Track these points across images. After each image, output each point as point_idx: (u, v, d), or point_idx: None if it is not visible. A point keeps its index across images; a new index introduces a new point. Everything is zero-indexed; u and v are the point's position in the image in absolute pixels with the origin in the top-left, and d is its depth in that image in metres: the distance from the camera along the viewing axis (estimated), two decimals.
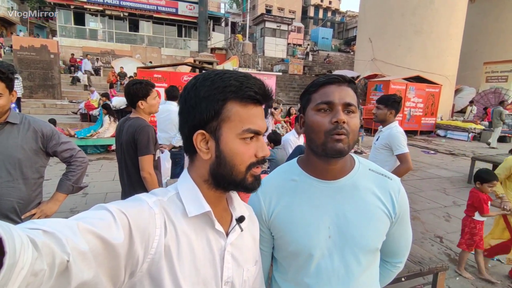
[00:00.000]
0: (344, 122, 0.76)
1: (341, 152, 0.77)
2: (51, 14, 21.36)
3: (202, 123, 0.62)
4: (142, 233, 0.54)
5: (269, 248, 0.91)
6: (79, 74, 15.82)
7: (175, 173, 4.09)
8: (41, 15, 23.99)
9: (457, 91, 17.02)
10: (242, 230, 0.71)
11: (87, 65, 15.43)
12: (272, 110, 7.48)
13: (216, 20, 24.14)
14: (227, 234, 0.68)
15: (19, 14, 22.88)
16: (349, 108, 0.78)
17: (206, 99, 0.61)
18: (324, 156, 0.80)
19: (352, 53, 28.14)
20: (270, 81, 9.89)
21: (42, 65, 12.34)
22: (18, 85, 9.30)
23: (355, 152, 8.29)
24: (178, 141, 3.90)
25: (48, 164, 1.66)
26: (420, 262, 1.97)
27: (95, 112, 9.19)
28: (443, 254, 3.17)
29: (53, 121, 7.26)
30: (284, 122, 8.70)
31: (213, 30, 23.57)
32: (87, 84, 14.30)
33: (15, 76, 1.44)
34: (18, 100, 9.52)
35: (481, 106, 14.76)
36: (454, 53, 15.20)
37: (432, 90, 12.84)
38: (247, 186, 0.64)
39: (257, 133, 0.63)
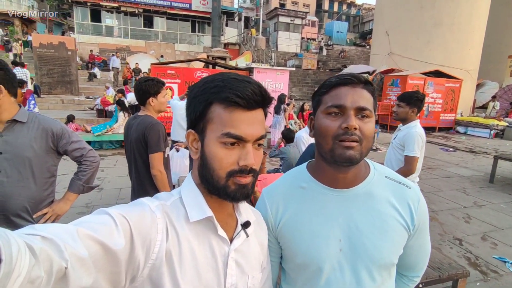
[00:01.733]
0: (355, 129, 0.69)
1: (351, 160, 0.70)
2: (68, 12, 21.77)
3: (192, 123, 0.63)
4: (143, 238, 0.53)
5: (277, 258, 0.86)
6: (95, 70, 16.13)
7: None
8: (59, 13, 24.54)
9: (478, 86, 16.31)
10: (247, 236, 0.69)
11: (115, 62, 15.61)
12: (285, 105, 7.38)
13: (230, 15, 24.05)
14: (232, 240, 0.66)
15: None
16: (363, 112, 0.71)
17: (195, 100, 0.62)
18: (333, 164, 0.74)
19: (368, 47, 27.45)
20: (283, 76, 9.79)
21: (60, 62, 12.65)
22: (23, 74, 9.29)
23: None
24: None
25: (64, 158, 1.64)
26: (439, 268, 1.88)
27: (110, 108, 9.37)
28: (463, 258, 3.04)
29: (71, 117, 7.44)
30: (297, 117, 8.58)
31: (227, 25, 23.51)
32: (113, 80, 14.52)
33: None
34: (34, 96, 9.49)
35: (504, 101, 14.10)
36: (476, 46, 14.52)
37: (452, 85, 12.36)
38: (229, 194, 0.60)
39: (240, 139, 0.58)
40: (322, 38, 30.12)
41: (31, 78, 10.80)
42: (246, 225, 0.69)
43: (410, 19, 14.62)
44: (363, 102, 0.71)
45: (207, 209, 0.62)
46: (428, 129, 11.76)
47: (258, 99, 0.59)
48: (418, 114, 2.47)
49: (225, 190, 0.60)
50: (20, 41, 17.14)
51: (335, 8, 39.59)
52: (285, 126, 7.22)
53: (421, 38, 14.37)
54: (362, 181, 0.78)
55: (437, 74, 12.50)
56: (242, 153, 0.59)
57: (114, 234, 0.48)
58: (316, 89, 0.83)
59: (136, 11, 21.17)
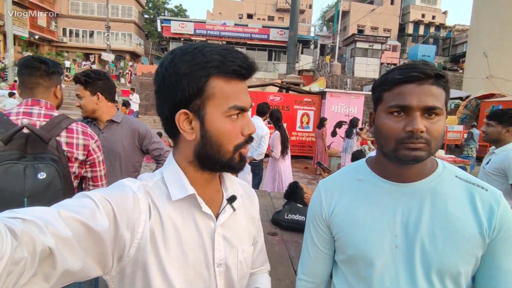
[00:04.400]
0: (422, 132, 0.62)
1: (417, 159, 0.65)
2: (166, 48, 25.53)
3: (184, 102, 0.58)
4: (127, 218, 0.53)
5: (330, 250, 0.82)
6: None
7: (254, 184, 4.20)
8: (159, 48, 29.00)
9: None
10: (234, 210, 0.68)
11: None
12: (358, 130, 7.04)
13: (305, 43, 24.73)
14: (218, 216, 0.66)
15: (143, 48, 28.14)
16: (431, 111, 0.64)
17: (187, 76, 0.56)
18: (397, 162, 0.69)
19: (460, 71, 24.60)
20: (358, 100, 9.42)
21: None
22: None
23: None
24: (259, 155, 4.01)
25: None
26: None
27: None
28: None
29: (159, 134, 8.53)
30: (372, 143, 8.06)
31: (302, 52, 24.15)
32: None
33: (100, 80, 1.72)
34: (136, 114, 11.78)
35: None
36: None
37: None
38: (234, 166, 0.61)
39: (243, 110, 0.60)
40: (405, 63, 28.17)
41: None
42: (231, 199, 0.68)
43: None
44: (431, 100, 0.62)
45: (189, 187, 0.61)
46: None
47: (254, 66, 0.60)
48: None
49: (230, 163, 0.61)
50: (129, 72, 20.82)
51: (421, 31, 37.00)
52: (357, 150, 6.84)
53: None
54: (427, 177, 0.70)
55: None
56: (243, 123, 0.61)
57: (97, 216, 0.48)
58: None
59: (220, 43, 23.37)
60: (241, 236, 0.70)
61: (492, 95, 12.03)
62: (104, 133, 1.72)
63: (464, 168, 7.82)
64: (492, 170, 2.08)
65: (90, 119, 1.73)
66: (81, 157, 1.29)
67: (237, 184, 0.74)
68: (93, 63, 26.30)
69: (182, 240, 0.60)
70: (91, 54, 29.07)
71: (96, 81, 1.69)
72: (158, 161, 1.86)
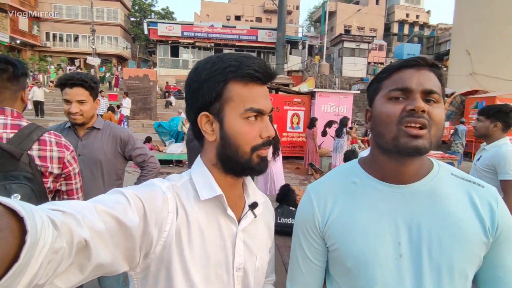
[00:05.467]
0: (423, 111, 0.60)
1: (419, 149, 0.60)
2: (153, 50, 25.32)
3: (205, 105, 0.62)
4: (156, 216, 0.55)
5: (323, 262, 0.76)
6: (171, 98, 18.05)
7: None
8: (146, 51, 28.68)
9: None
10: (255, 217, 0.70)
11: None
12: (348, 129, 7.06)
13: (294, 44, 24.83)
14: (239, 221, 0.68)
15: (131, 51, 27.78)
16: (431, 96, 0.62)
17: (207, 81, 0.61)
18: (396, 155, 0.64)
19: (444, 68, 25.17)
20: (347, 100, 9.47)
21: (143, 91, 14.49)
22: (104, 103, 11.20)
23: None
24: None
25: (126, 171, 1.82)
26: None
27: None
28: None
29: (149, 139, 8.35)
30: (362, 142, 8.11)
31: (290, 53, 24.23)
32: None
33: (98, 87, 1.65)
34: (127, 119, 11.61)
35: None
36: None
37: None
38: (254, 167, 0.63)
39: (260, 113, 0.62)
40: (391, 62, 28.68)
41: (118, 106, 12.57)
42: (253, 205, 0.70)
43: (498, 35, 13.03)
44: (430, 84, 0.62)
45: (217, 188, 0.63)
46: None
47: (271, 73, 0.63)
48: (508, 131, 2.06)
49: (249, 165, 0.63)
50: (115, 76, 20.46)
51: (406, 31, 37.70)
52: (349, 150, 6.86)
53: None
54: (424, 177, 0.66)
55: None
56: (262, 126, 0.63)
57: (128, 212, 0.50)
58: None
59: (208, 45, 23.41)
60: (260, 243, 0.72)
61: (475, 91, 12.32)
62: (83, 140, 1.63)
63: (452, 164, 7.95)
64: (483, 167, 2.07)
65: (77, 125, 1.62)
66: (56, 171, 1.18)
67: (258, 192, 0.76)
68: (79, 67, 25.72)
69: (206, 241, 0.61)
70: (76, 58, 28.41)
71: (97, 86, 1.63)
72: (143, 167, 1.78)
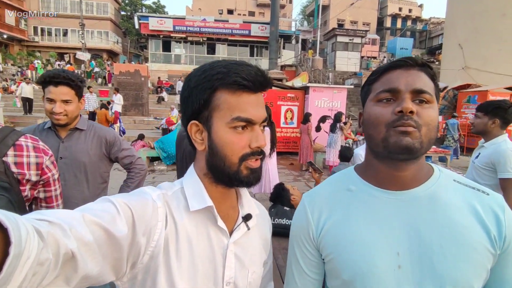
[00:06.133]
0: (412, 112, 0.57)
1: (409, 149, 0.57)
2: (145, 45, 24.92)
3: (195, 113, 0.61)
4: (145, 226, 0.54)
5: (319, 275, 0.72)
6: (164, 94, 17.80)
7: None
8: (136, 46, 28.20)
9: None
10: (248, 229, 0.68)
11: (180, 85, 17.22)
12: (342, 124, 7.02)
13: (287, 38, 24.63)
14: (231, 232, 0.65)
15: (121, 46, 27.28)
16: (421, 96, 0.60)
17: (196, 89, 0.60)
18: (387, 158, 0.62)
19: (437, 62, 25.32)
20: (340, 94, 9.43)
21: (135, 87, 14.25)
22: (92, 100, 11.06)
23: None
24: None
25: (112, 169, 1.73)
26: None
27: (173, 127, 10.14)
28: None
29: (141, 136, 8.19)
30: (353, 140, 8.09)
31: (284, 48, 24.06)
32: (179, 103, 16.00)
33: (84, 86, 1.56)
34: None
35: None
36: None
37: None
38: (242, 179, 0.61)
39: (249, 122, 0.59)
40: (384, 56, 28.77)
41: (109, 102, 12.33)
42: (247, 217, 0.67)
43: (490, 29, 13.09)
44: (419, 83, 0.60)
45: (208, 199, 0.61)
46: None
47: (262, 80, 0.59)
48: (506, 128, 2.02)
49: (237, 176, 0.60)
50: (107, 71, 20.07)
51: (399, 25, 37.77)
52: (343, 146, 6.85)
53: (504, 49, 12.69)
54: (424, 182, 0.63)
55: None
56: (252, 135, 0.60)
57: (117, 221, 0.49)
58: None
59: (201, 40, 23.10)
60: (253, 256, 0.69)
61: (468, 86, 12.41)
62: (65, 142, 1.53)
63: (444, 158, 8.01)
64: (481, 165, 2.03)
65: (60, 126, 1.51)
66: (34, 178, 1.10)
67: (254, 203, 0.73)
68: (68, 62, 25.16)
69: (194, 253, 0.60)
70: (66, 53, 27.84)
71: (84, 85, 1.54)
72: (130, 169, 1.69)
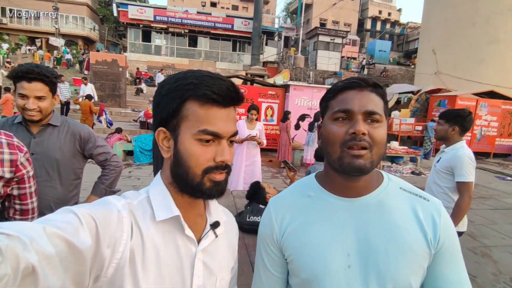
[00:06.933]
0: (364, 134, 0.64)
1: (361, 170, 0.65)
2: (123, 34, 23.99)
3: (163, 121, 0.61)
4: (109, 237, 0.52)
5: (283, 274, 0.78)
6: (142, 85, 17.31)
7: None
8: (116, 34, 27.11)
9: None
10: (216, 236, 0.68)
11: (160, 78, 16.72)
12: (320, 123, 7.19)
13: (270, 34, 24.65)
14: (200, 241, 0.66)
15: (99, 33, 26.11)
16: (372, 117, 0.66)
17: (166, 97, 0.60)
18: (342, 173, 0.69)
19: (412, 66, 26.33)
20: (320, 94, 9.61)
21: (112, 77, 13.76)
22: (65, 89, 10.65)
23: (413, 172, 7.52)
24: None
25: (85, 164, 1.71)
26: None
27: (151, 121, 9.91)
28: None
29: (119, 130, 7.92)
30: None
31: (266, 44, 24.07)
32: None
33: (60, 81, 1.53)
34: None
35: None
36: None
37: (509, 107, 11.20)
38: (204, 191, 0.60)
39: (216, 136, 0.59)
40: (364, 58, 29.52)
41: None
42: (215, 225, 0.68)
43: (461, 37, 13.79)
44: (371, 105, 0.66)
45: (174, 208, 0.61)
46: (481, 155, 10.68)
47: (234, 96, 0.60)
48: (464, 134, 2.19)
49: (200, 188, 0.60)
50: (84, 59, 19.15)
51: (378, 27, 38.81)
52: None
53: (473, 57, 13.43)
54: (374, 190, 0.71)
55: (492, 95, 11.44)
56: (218, 149, 0.60)
57: (80, 233, 0.47)
58: None
59: (183, 32, 22.61)
60: (221, 263, 0.70)
61: (439, 90, 13.03)
62: (37, 138, 1.49)
63: (415, 159, 8.43)
64: (442, 168, 2.20)
65: (32, 122, 1.47)
66: (7, 175, 1.08)
67: (221, 211, 0.74)
68: (40, 48, 23.81)
69: (161, 263, 0.59)
70: (37, 38, 26.25)
71: (58, 80, 1.50)
72: (104, 166, 1.67)
